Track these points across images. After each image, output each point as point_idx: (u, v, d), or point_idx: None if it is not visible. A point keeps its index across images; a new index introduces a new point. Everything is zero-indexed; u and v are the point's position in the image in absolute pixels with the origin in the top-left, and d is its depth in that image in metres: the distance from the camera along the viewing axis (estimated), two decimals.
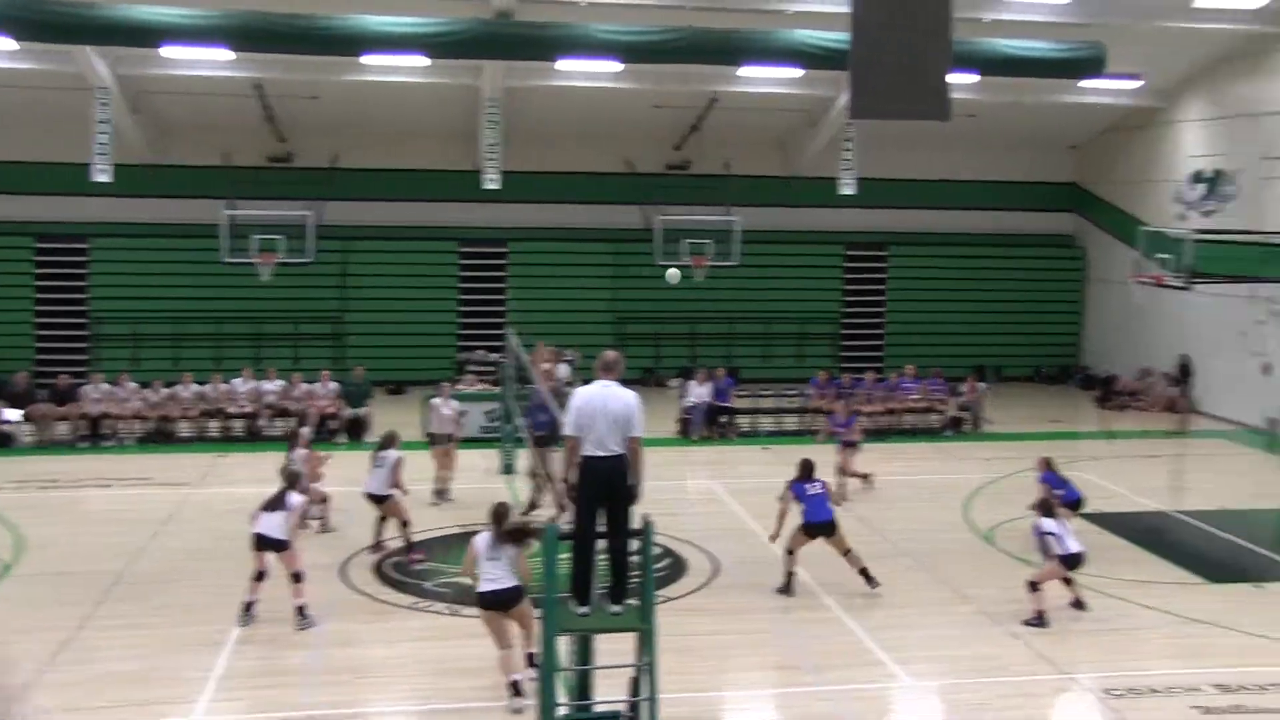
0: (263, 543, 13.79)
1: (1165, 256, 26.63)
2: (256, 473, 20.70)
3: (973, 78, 24.88)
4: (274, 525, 13.79)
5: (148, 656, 12.83)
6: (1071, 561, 14.24)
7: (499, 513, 11.85)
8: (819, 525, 14.99)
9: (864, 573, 14.97)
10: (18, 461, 22.08)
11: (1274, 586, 15.81)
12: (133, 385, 24.36)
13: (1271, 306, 25.89)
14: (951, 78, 7.49)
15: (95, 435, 23.69)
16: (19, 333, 29.50)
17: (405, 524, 16.40)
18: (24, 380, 24.77)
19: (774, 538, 15.37)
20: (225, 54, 24.04)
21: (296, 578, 13.85)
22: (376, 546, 16.61)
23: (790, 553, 15.13)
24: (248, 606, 13.81)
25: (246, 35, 21.68)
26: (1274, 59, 25.87)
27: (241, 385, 24.63)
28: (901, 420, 25.84)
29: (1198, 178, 28.36)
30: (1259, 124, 26.38)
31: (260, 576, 13.85)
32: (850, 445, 20.23)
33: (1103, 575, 15.62)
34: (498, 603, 11.59)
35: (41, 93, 26.54)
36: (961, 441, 24.98)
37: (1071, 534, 14.37)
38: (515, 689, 11.50)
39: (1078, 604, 14.45)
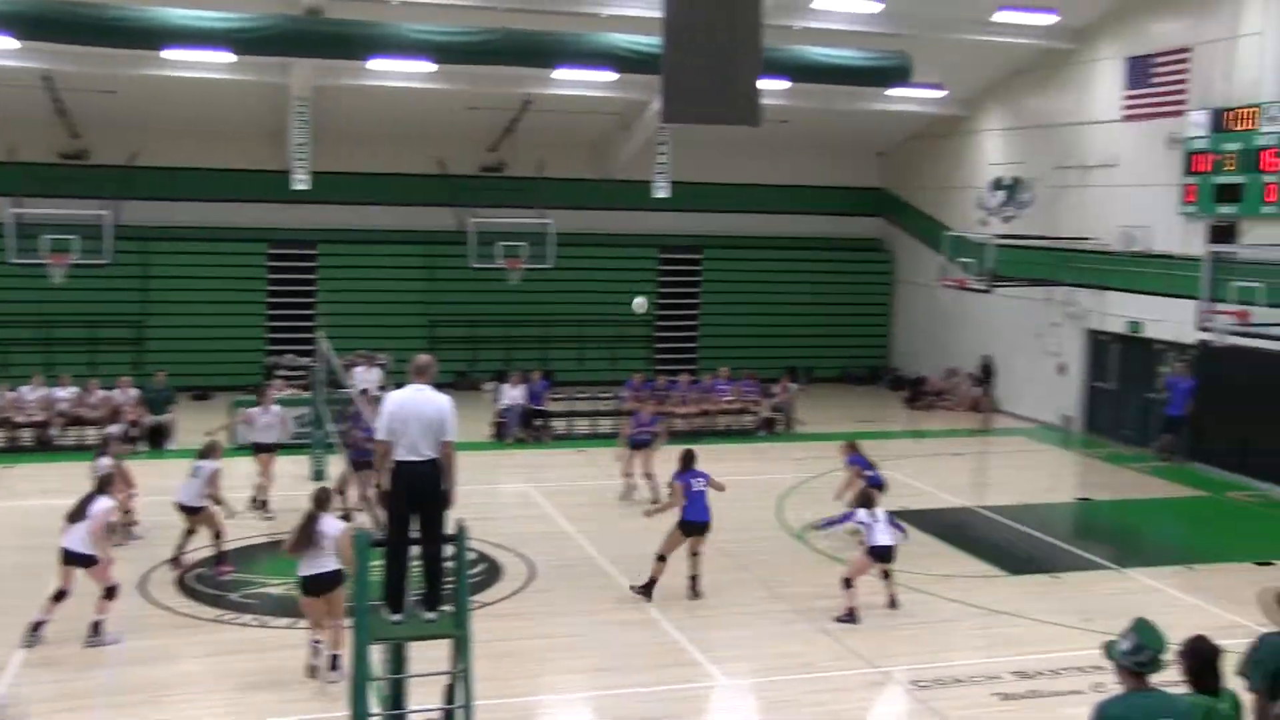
0: (69, 558, 13.03)
1: (968, 260, 27.73)
2: (44, 485, 19.84)
3: (783, 84, 25.41)
4: (77, 538, 13.02)
5: None
6: (880, 554, 14.57)
7: (320, 497, 12.33)
8: (696, 525, 14.96)
9: (694, 580, 15.02)
10: None
11: (1068, 576, 16.49)
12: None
13: (1066, 309, 27.05)
14: (762, 84, 7.59)
15: None
16: None
17: (218, 535, 15.87)
18: None
19: (649, 515, 15.93)
20: (10, 42, 22.86)
21: (109, 594, 13.14)
22: (176, 561, 15.88)
23: (662, 558, 14.95)
24: (35, 626, 12.96)
25: (34, 23, 20.70)
26: (1065, 73, 27.10)
27: (30, 393, 23.45)
28: (716, 422, 26.15)
29: (997, 185, 29.45)
30: (1052, 134, 27.58)
31: (60, 595, 13.02)
32: (646, 445, 20.20)
33: (910, 570, 16.05)
34: (319, 587, 11.94)
35: None
36: (774, 442, 25.43)
37: (884, 526, 14.66)
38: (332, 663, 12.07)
39: (892, 603, 14.77)
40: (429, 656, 10.15)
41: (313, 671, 12.15)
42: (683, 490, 15.01)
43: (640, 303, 22.08)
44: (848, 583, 14.46)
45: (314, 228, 30.48)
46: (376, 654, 9.73)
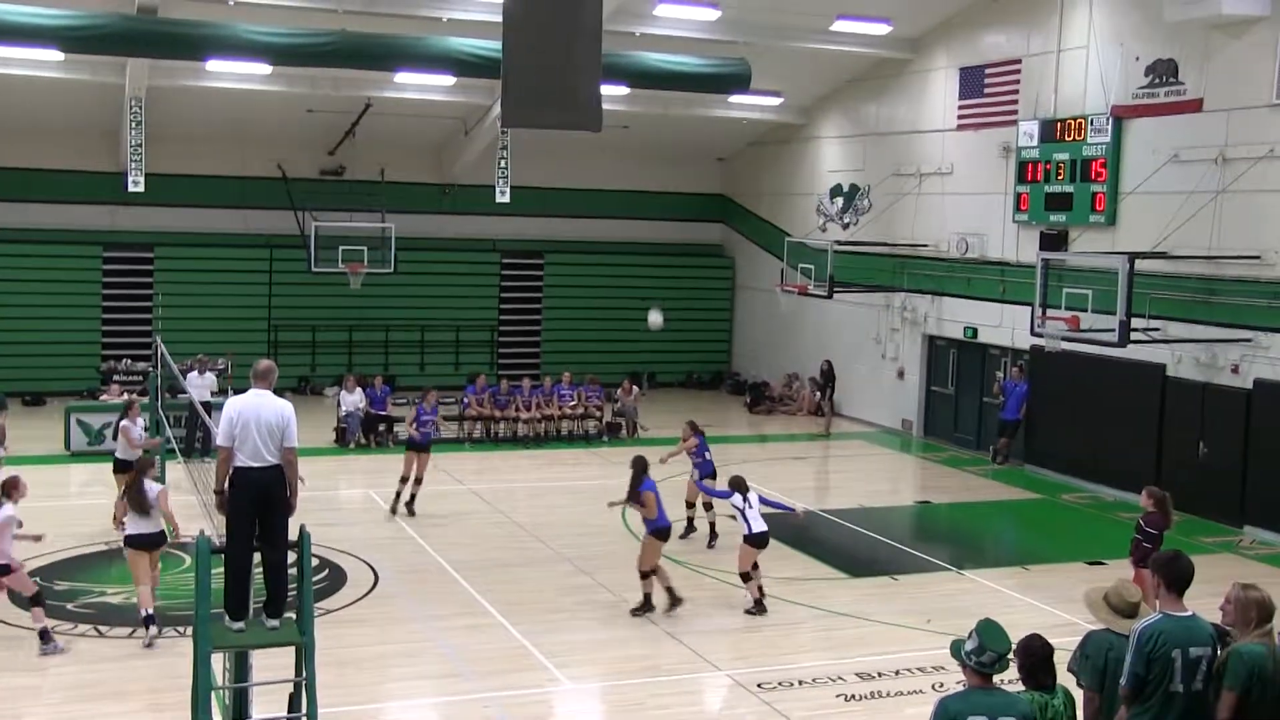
0: None
1: (808, 266, 28.32)
2: None
3: (624, 90, 25.66)
4: None
5: None
6: (759, 540, 14.89)
7: (142, 465, 14.07)
8: (666, 530, 14.96)
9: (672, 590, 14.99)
10: None
11: (908, 578, 16.91)
12: None
13: (904, 314, 27.82)
14: (603, 90, 7.72)
15: None
16: None
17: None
18: None
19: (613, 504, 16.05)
20: None
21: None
22: None
23: (651, 573, 14.81)
24: None
25: None
26: (901, 82, 27.88)
27: None
28: (559, 426, 26.25)
29: (836, 191, 30.18)
30: (889, 142, 28.35)
31: None
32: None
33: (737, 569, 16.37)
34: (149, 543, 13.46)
35: None
36: (618, 446, 25.60)
37: (756, 512, 15.01)
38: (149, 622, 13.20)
39: (759, 606, 14.90)
40: (272, 664, 10.07)
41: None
42: (655, 499, 14.86)
43: (656, 319, 22.31)
44: (745, 576, 14.84)
45: (150, 230, 29.73)
46: (218, 662, 9.60)
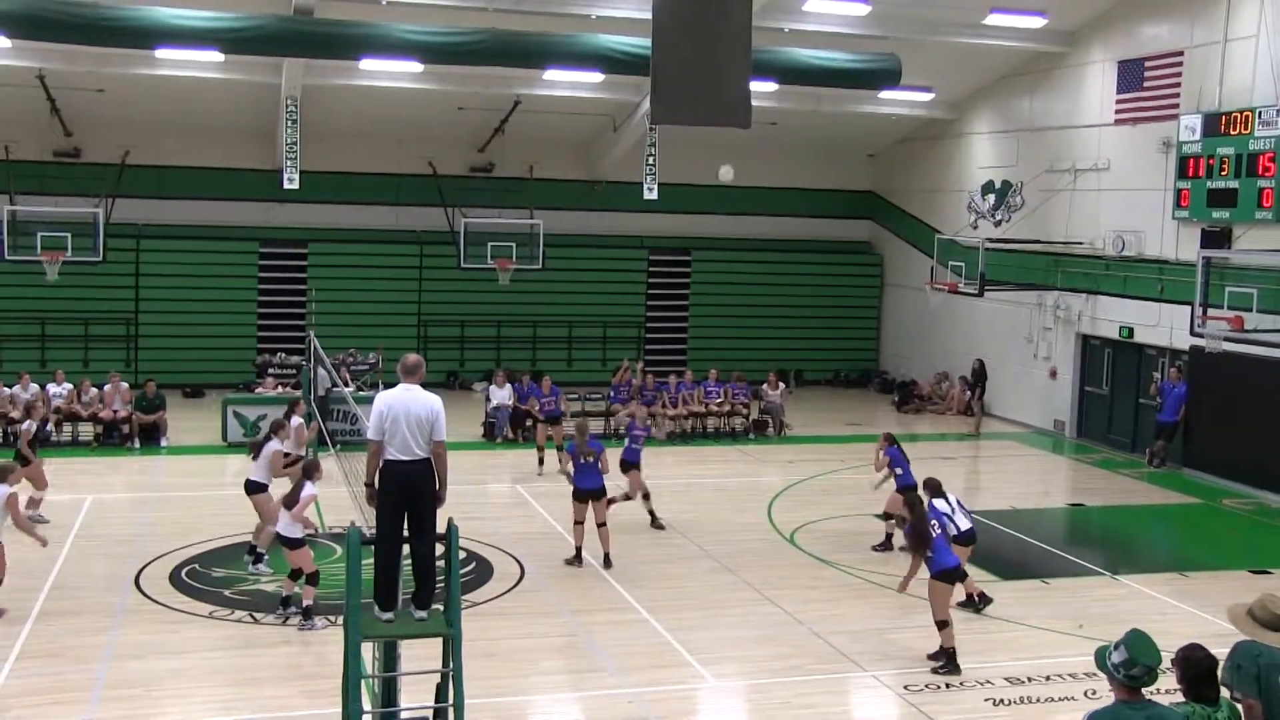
0: None
1: (958, 264, 27.78)
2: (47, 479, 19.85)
3: (773, 86, 25.45)
4: None
5: None
6: (966, 539, 14.63)
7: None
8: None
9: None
10: None
11: (1060, 582, 16.45)
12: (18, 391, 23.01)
13: (1057, 313, 27.12)
14: (752, 86, 7.62)
15: None
16: None
17: None
18: None
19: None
20: (3, 42, 22.89)
21: None
22: None
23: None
24: None
25: (26, 23, 20.66)
26: (1056, 76, 27.17)
27: (23, 393, 23.39)
28: (705, 423, 26.17)
29: (987, 188, 29.56)
30: (1043, 138, 27.65)
31: None
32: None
33: (900, 574, 16.02)
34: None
35: None
36: (764, 444, 25.46)
37: (962, 514, 14.80)
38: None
39: (982, 597, 14.80)
40: (420, 655, 10.19)
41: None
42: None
43: (727, 171, 22.08)
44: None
45: (305, 226, 30.50)
46: (368, 652, 9.75)
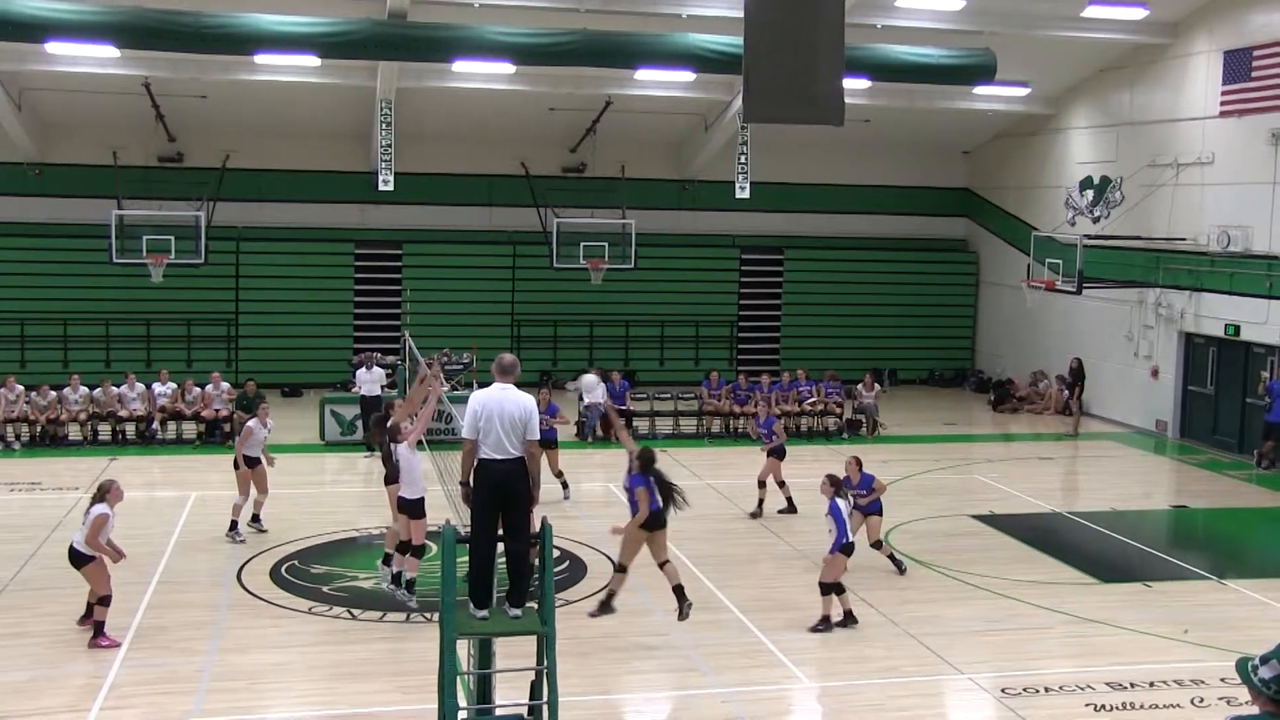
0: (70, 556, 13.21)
1: (1055, 261, 27.30)
2: (148, 477, 20.38)
3: (866, 83, 25.24)
4: (77, 538, 13.21)
5: (37, 665, 12.55)
6: (849, 550, 14.11)
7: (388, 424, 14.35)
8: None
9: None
10: None
11: (1162, 585, 16.09)
12: (19, 388, 23.66)
13: (1159, 311, 26.56)
14: (845, 83, 7.55)
15: None
16: None
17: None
18: None
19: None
20: (111, 51, 23.51)
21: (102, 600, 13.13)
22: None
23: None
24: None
25: (132, 32, 21.17)
26: (1157, 68, 26.61)
27: (131, 392, 24.00)
28: (798, 423, 26.04)
29: (1086, 184, 29.04)
30: (1144, 131, 27.10)
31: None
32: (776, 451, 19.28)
33: (997, 576, 15.91)
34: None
35: None
36: (857, 444, 25.24)
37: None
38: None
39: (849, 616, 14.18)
40: (514, 652, 10.26)
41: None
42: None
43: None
44: (834, 589, 13.98)
45: (399, 228, 30.88)
46: (463, 648, 9.84)
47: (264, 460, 17.17)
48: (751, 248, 33.04)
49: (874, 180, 33.37)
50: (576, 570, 16.07)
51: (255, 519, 17.40)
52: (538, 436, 9.62)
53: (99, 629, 13.05)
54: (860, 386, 26.52)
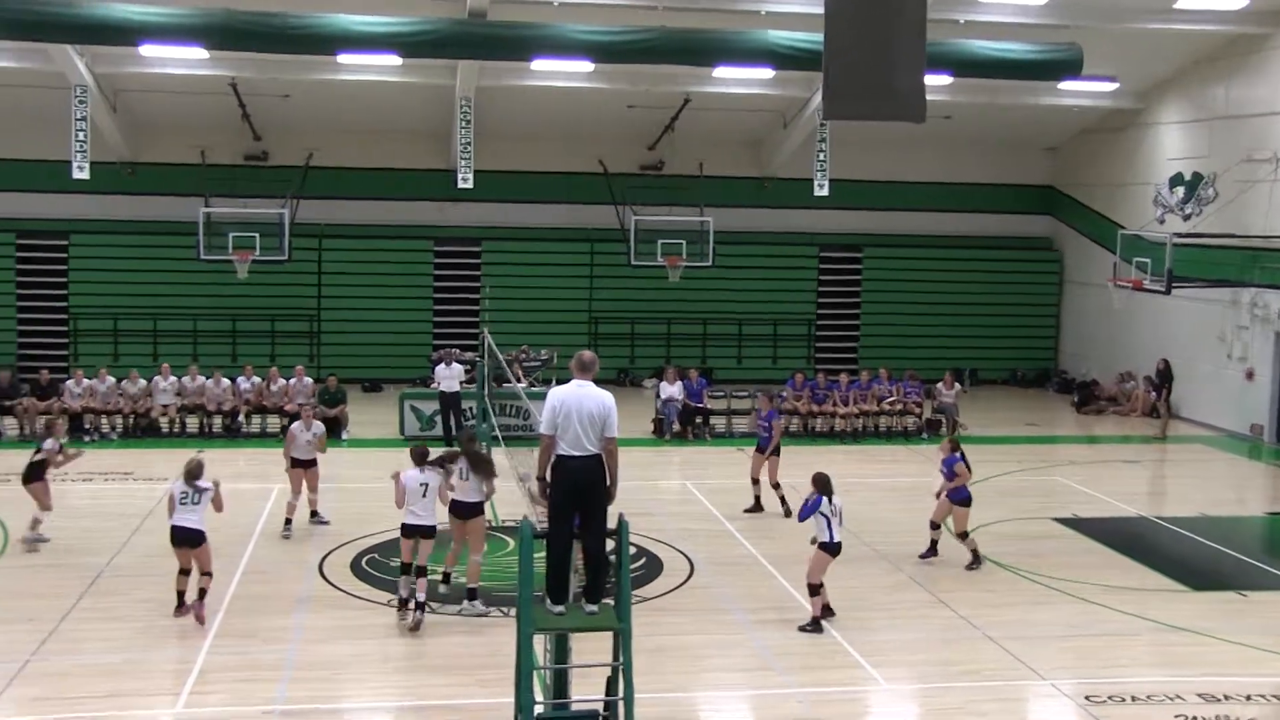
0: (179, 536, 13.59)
1: (1144, 260, 26.74)
2: (234, 469, 20.71)
3: (947, 79, 24.95)
4: (193, 519, 13.57)
5: (129, 649, 12.87)
6: (834, 550, 13.88)
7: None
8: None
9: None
10: (1, 455, 21.92)
11: (1258, 595, 15.65)
12: (110, 380, 24.27)
13: (1254, 311, 25.92)
14: (926, 79, 7.47)
15: (76, 430, 23.54)
16: (2, 327, 29.47)
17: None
18: (6, 378, 25.09)
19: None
20: (200, 53, 23.94)
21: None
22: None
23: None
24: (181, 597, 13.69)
25: (221, 34, 21.56)
26: (1255, 60, 25.89)
27: (216, 387, 24.48)
28: (877, 422, 25.83)
29: (1176, 180, 28.45)
30: (1239, 126, 26.43)
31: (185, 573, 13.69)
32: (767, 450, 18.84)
33: (1080, 581, 15.65)
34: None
35: (22, 91, 26.44)
36: (937, 444, 24.84)
37: (839, 522, 13.92)
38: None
39: (827, 610, 14.02)
40: (590, 649, 10.28)
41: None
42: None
43: None
44: (815, 589, 13.87)
45: (478, 225, 31.09)
46: (540, 643, 9.88)
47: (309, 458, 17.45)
48: (830, 245, 32.82)
49: (955, 177, 32.99)
50: (653, 567, 16.07)
51: (314, 514, 17.65)
52: (616, 434, 9.60)
53: (203, 595, 13.60)
54: (940, 386, 26.26)
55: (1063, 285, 33.66)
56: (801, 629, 13.78)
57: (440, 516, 14.17)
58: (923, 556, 16.59)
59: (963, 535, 16.25)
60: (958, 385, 26.84)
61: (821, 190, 28.83)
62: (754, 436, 20.43)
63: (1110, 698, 12.05)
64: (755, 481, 18.90)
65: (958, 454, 16.34)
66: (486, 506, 14.58)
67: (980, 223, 33.47)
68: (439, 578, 14.70)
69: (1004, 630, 13.90)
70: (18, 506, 18.24)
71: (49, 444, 16.83)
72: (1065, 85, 27.38)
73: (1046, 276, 33.80)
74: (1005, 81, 26.46)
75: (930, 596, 15.12)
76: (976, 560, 16.19)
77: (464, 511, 14.24)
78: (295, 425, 17.92)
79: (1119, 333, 30.38)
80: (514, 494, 17.32)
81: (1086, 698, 12.07)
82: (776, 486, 18.68)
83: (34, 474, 16.61)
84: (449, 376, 23.76)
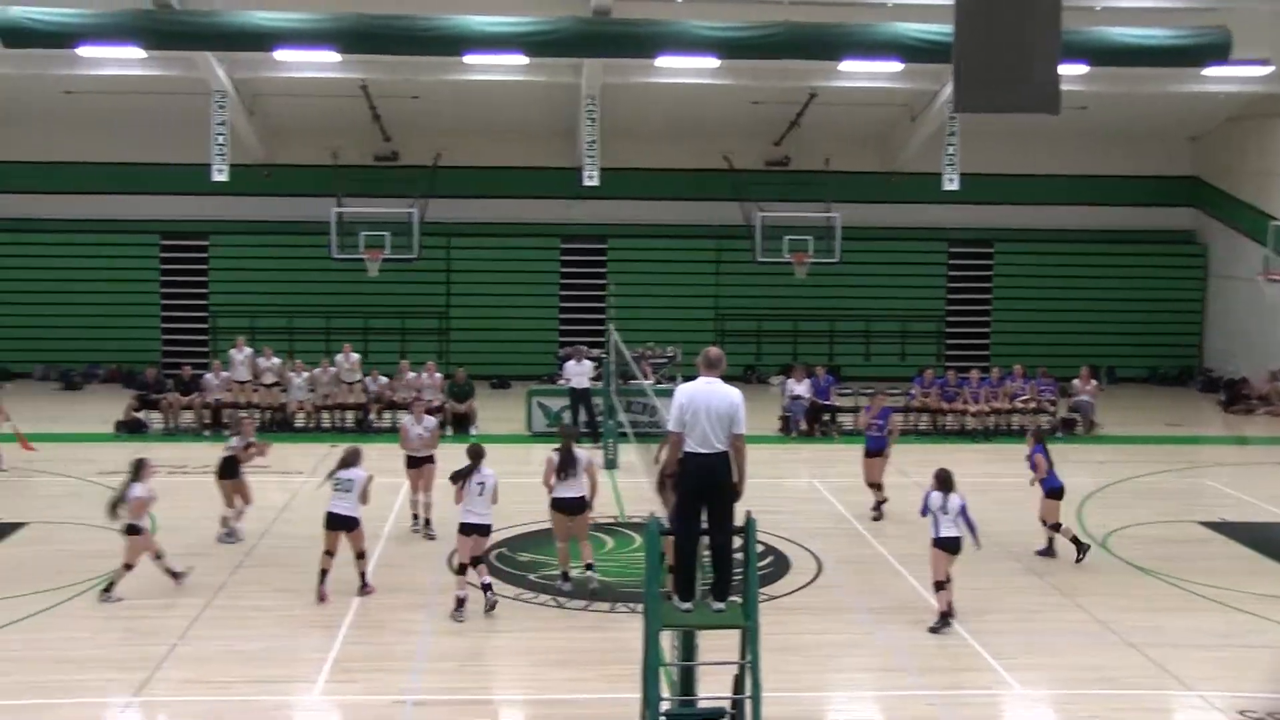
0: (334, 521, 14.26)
1: None
2: (366, 464, 21.01)
3: (1083, 68, 24.27)
4: (345, 505, 14.25)
5: (269, 636, 13.22)
6: (944, 545, 13.59)
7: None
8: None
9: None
10: (149, 448, 22.65)
11: None
12: (248, 350, 25.06)
13: None
14: (1061, 69, 7.26)
15: (217, 424, 24.29)
16: (147, 325, 30.58)
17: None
18: (153, 374, 25.90)
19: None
20: (333, 56, 24.44)
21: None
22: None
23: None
24: (324, 576, 14.31)
25: (353, 37, 22.04)
26: None
27: (345, 361, 24.95)
28: (1009, 420, 25.31)
29: None
30: None
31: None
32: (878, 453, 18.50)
33: (1229, 588, 15.06)
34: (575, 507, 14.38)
35: (167, 98, 27.35)
36: (1072, 444, 24.38)
37: (954, 517, 13.60)
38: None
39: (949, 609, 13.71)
40: (716, 646, 10.21)
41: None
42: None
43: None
44: (939, 585, 13.64)
45: (604, 222, 31.23)
46: (666, 640, 9.84)
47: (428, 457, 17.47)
48: (960, 241, 32.30)
49: (1090, 170, 32.17)
50: (780, 566, 15.94)
51: (425, 523, 17.21)
52: (743, 430, 9.52)
53: (363, 576, 14.44)
54: (1076, 383, 25.63)
55: (1208, 280, 32.61)
56: (931, 629, 13.53)
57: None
58: (1040, 553, 16.40)
59: (1055, 527, 16.16)
60: (1094, 382, 26.17)
61: (951, 184, 28.36)
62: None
63: (1270, 714, 11.39)
64: (873, 486, 18.48)
65: (1039, 445, 16.26)
66: (613, 503, 14.62)
67: (1118, 216, 32.61)
68: (559, 575, 14.88)
69: (1145, 637, 13.44)
70: (164, 497, 18.80)
71: (236, 441, 17.17)
72: (1211, 71, 26.31)
73: (1190, 271, 32.80)
74: (1145, 69, 25.65)
75: (1065, 599, 14.73)
76: (1080, 550, 16.06)
77: (569, 507, 14.44)
78: (406, 419, 17.93)
79: (1271, 329, 29.26)
80: (640, 490, 17.32)
81: (1240, 713, 11.46)
82: (878, 487, 18.35)
83: (226, 470, 16.99)
84: (579, 373, 23.92)
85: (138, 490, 14.42)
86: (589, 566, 14.55)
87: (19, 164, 30.35)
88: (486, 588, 13.99)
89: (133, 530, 14.39)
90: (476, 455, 14.21)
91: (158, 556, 14.60)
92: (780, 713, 10.78)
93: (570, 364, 24.26)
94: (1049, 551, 16.41)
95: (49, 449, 22.09)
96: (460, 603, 13.84)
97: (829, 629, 13.75)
